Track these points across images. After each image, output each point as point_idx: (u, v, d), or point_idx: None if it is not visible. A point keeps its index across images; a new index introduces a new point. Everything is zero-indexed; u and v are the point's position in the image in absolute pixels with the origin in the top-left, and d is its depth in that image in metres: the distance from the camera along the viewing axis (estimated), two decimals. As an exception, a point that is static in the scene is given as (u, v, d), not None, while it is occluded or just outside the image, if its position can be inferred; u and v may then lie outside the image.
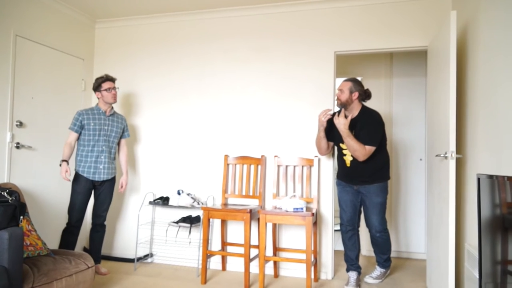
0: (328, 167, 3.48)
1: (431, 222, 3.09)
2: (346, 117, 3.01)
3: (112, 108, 3.44)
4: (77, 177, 3.27)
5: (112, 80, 3.40)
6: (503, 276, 1.62)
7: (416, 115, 4.21)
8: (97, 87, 3.35)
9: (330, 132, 3.16)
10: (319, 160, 3.47)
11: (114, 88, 3.38)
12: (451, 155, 2.52)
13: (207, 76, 3.85)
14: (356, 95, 3.05)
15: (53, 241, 3.35)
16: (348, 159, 3.12)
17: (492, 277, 1.71)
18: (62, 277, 2.41)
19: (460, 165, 2.88)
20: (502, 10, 2.17)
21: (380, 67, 4.34)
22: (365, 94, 3.12)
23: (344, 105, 3.07)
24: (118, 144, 3.54)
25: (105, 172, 3.32)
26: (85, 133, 3.27)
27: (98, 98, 3.38)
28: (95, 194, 3.40)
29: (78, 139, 3.30)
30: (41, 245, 2.61)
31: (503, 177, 1.55)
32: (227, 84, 3.79)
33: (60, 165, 3.20)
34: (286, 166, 3.53)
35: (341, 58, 3.81)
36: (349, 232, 3.23)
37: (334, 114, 3.15)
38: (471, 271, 2.43)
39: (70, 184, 3.29)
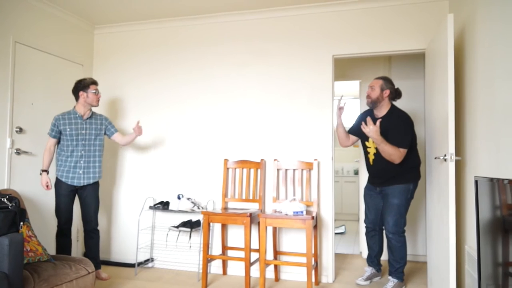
0: (328, 170, 3.49)
1: (431, 225, 3.09)
2: (374, 119, 3.00)
3: (91, 110, 3.37)
4: (58, 181, 3.27)
5: (97, 84, 3.38)
6: (504, 278, 1.62)
7: (414, 118, 4.16)
8: (83, 87, 3.27)
9: (358, 128, 3.20)
10: (318, 163, 3.47)
11: (99, 92, 3.37)
12: (451, 157, 2.53)
13: (205, 80, 3.86)
14: (387, 92, 3.06)
15: (53, 247, 3.35)
16: (371, 157, 3.18)
17: (492, 279, 1.71)
18: (62, 282, 2.41)
19: (459, 167, 2.89)
20: (498, 12, 2.18)
21: (378, 70, 4.34)
22: (396, 93, 3.12)
23: (374, 103, 3.08)
24: (112, 141, 3.51)
25: (84, 177, 3.28)
26: (63, 138, 3.26)
27: (78, 98, 3.30)
28: (80, 200, 3.36)
29: (58, 143, 3.30)
30: (41, 251, 2.61)
31: (502, 179, 1.56)
32: (226, 88, 3.80)
33: (40, 174, 3.24)
34: (286, 170, 3.53)
35: (340, 61, 3.82)
36: (371, 232, 3.35)
37: (363, 115, 3.21)
38: (472, 273, 2.43)
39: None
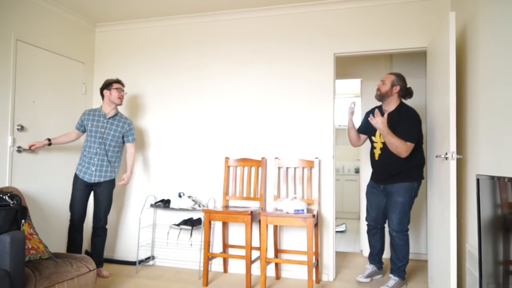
0: (329, 168, 3.49)
1: (432, 223, 3.09)
2: (382, 114, 3.03)
3: (116, 110, 3.45)
4: (75, 175, 3.34)
5: (123, 84, 3.48)
6: (505, 277, 1.62)
7: (416, 116, 4.20)
8: (107, 85, 3.39)
9: (365, 125, 3.30)
10: (319, 161, 3.47)
11: (123, 90, 3.45)
12: (452, 155, 2.52)
13: (206, 79, 3.86)
14: (397, 89, 3.09)
15: (54, 244, 3.36)
16: (377, 152, 3.19)
17: (493, 278, 1.71)
18: (63, 280, 2.42)
19: (461, 165, 2.88)
20: (501, 12, 2.17)
21: (380, 68, 4.34)
22: (406, 91, 3.15)
23: (382, 97, 3.13)
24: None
25: (96, 174, 3.31)
26: (86, 133, 3.38)
27: (103, 98, 3.42)
28: (93, 197, 3.41)
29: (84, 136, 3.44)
30: (42, 248, 2.61)
31: (503, 177, 1.55)
32: (227, 86, 3.80)
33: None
34: (287, 168, 3.53)
35: (341, 60, 3.81)
36: (372, 230, 3.36)
37: (370, 112, 3.22)
38: (473, 271, 2.43)
39: (71, 187, 3.35)
